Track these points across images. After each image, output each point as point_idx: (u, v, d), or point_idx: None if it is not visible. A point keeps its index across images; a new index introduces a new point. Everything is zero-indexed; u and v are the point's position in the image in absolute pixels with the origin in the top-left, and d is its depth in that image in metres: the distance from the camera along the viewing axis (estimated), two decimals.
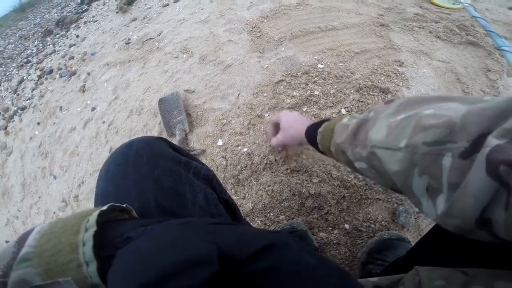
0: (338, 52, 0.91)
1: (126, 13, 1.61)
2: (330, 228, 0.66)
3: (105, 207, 0.24)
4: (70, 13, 2.26)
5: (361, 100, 0.79)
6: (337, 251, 0.63)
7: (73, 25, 1.97)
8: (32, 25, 2.66)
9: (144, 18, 1.45)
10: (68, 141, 1.15)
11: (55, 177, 1.10)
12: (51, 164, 1.14)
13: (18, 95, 1.65)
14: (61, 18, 2.16)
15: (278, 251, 0.20)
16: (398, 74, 0.84)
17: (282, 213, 0.69)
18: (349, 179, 0.69)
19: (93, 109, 1.15)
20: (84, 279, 0.19)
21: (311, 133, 0.44)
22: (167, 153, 0.36)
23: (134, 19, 1.49)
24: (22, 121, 1.43)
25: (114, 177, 0.33)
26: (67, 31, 1.95)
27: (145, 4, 1.59)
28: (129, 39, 1.34)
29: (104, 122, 1.06)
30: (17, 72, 1.93)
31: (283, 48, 0.96)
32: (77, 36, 1.75)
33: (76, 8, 2.28)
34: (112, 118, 1.05)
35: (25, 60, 2.02)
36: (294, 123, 0.54)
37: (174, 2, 1.43)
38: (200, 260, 0.18)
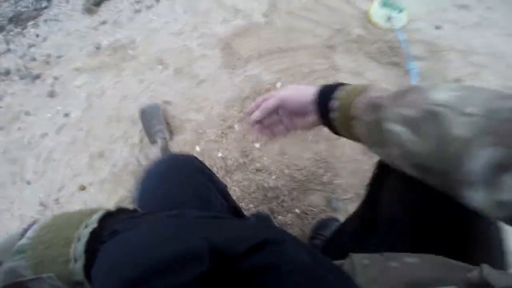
0: (293, 72, 1.08)
1: (94, 15, 1.59)
2: (285, 213, 0.87)
3: (112, 208, 0.24)
4: (26, 8, 2.10)
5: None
6: (292, 230, 0.84)
7: (31, 23, 1.84)
8: None
9: (114, 22, 1.46)
10: (40, 147, 1.15)
11: (28, 183, 1.10)
12: (22, 169, 1.14)
13: None
14: (16, 14, 2.00)
15: (275, 247, 0.20)
16: None
17: (251, 203, 0.89)
18: (297, 175, 0.90)
19: (66, 115, 1.16)
20: (69, 275, 0.19)
21: (326, 90, 0.38)
22: (202, 168, 0.48)
23: (104, 22, 1.49)
24: None
25: (164, 182, 0.42)
26: (23, 29, 1.82)
27: (116, 7, 1.59)
28: (99, 44, 1.35)
29: (81, 129, 1.10)
30: None
31: (250, 66, 1.09)
32: (37, 36, 1.67)
33: (34, 3, 2.13)
34: (89, 125, 1.09)
35: None
36: (299, 89, 0.44)
37: (147, 8, 1.47)
38: (189, 256, 0.17)
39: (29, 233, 0.20)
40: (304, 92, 0.41)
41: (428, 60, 1.28)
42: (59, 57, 1.42)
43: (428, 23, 1.53)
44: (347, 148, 0.95)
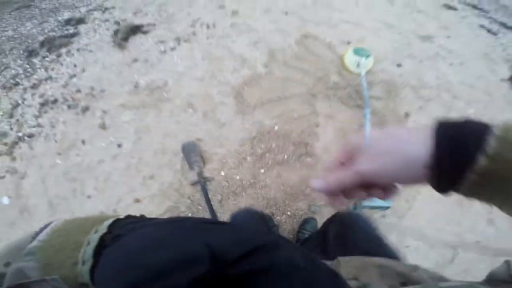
0: (286, 118, 1.51)
1: (124, 50, 1.92)
2: (281, 214, 1.36)
3: (122, 216, 0.25)
4: (53, 32, 2.36)
5: (296, 150, 1.43)
6: (285, 226, 1.31)
7: (64, 50, 2.14)
8: (4, 38, 2.62)
9: (145, 61, 1.81)
10: (98, 171, 1.51)
11: (89, 197, 1.48)
12: (82, 187, 1.50)
13: (18, 120, 1.82)
14: (48, 39, 2.27)
15: (270, 251, 0.20)
16: (314, 133, 1.48)
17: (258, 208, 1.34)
18: (288, 190, 1.36)
19: (119, 146, 1.55)
20: (75, 278, 0.20)
21: (456, 139, 0.24)
22: (267, 218, 0.83)
23: (135, 60, 1.84)
24: (33, 149, 1.67)
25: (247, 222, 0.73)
26: (58, 56, 2.12)
27: (141, 44, 1.92)
28: (137, 83, 1.71)
29: (133, 157, 1.50)
30: (5, 94, 2.01)
31: (256, 113, 1.51)
32: (75, 66, 1.99)
33: (60, 28, 2.38)
34: (140, 155, 1.49)
35: (12, 81, 2.11)
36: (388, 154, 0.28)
37: (171, 50, 1.82)
38: (189, 259, 0.18)
39: (41, 236, 0.21)
40: (398, 159, 0.26)
41: (385, 99, 1.72)
42: (102, 91, 1.77)
43: (391, 62, 1.96)
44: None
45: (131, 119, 1.59)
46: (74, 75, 1.93)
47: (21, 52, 2.36)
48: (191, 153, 1.40)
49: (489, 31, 3.23)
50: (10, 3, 3.98)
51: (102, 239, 0.22)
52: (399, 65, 1.99)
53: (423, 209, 1.40)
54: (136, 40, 1.96)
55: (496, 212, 1.53)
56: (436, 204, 1.43)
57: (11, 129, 1.80)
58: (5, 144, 1.73)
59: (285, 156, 1.42)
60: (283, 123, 1.49)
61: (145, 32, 2.01)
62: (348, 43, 2.05)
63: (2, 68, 2.29)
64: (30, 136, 1.73)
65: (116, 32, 2.09)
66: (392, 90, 1.78)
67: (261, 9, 2.29)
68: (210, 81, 1.61)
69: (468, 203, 1.45)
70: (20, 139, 1.73)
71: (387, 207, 1.24)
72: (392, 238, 1.31)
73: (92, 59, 1.96)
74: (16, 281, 0.19)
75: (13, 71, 2.19)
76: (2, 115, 1.90)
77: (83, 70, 1.92)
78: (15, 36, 2.64)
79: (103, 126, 1.64)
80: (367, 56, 1.83)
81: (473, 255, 1.33)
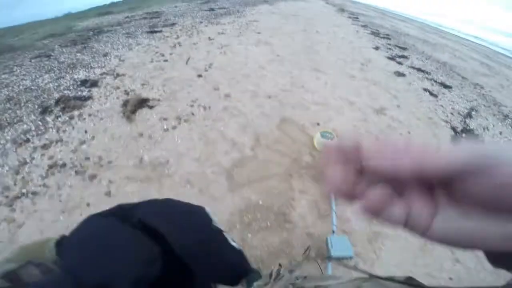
0: (268, 193, 1.85)
1: (132, 123, 2.26)
2: (267, 269, 1.60)
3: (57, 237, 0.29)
4: (68, 91, 2.65)
5: (277, 218, 1.76)
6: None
7: (77, 113, 2.42)
8: (21, 87, 2.82)
9: (150, 137, 2.15)
10: None
11: None
12: None
13: (23, 178, 1.95)
14: (63, 98, 2.55)
15: None
16: (291, 205, 1.83)
17: None
18: (272, 249, 1.67)
19: None
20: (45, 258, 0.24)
21: None
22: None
23: (141, 135, 2.17)
24: (36, 205, 1.77)
25: None
26: (70, 118, 2.39)
27: (147, 119, 2.28)
28: (141, 159, 2.02)
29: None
30: (14, 150, 2.16)
31: (243, 190, 1.86)
32: (85, 132, 2.27)
33: (75, 88, 2.68)
34: None
35: (23, 137, 2.30)
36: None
37: (173, 129, 2.19)
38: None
39: (9, 254, 0.24)
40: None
41: None
42: (109, 162, 2.03)
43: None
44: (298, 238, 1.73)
45: (135, 190, 1.86)
46: (84, 142, 2.19)
47: (36, 107, 2.58)
48: None
49: (431, 93, 3.99)
50: (32, 49, 4.32)
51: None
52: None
53: (390, 257, 1.62)
54: (143, 114, 2.32)
55: (458, 252, 1.72)
56: (401, 252, 1.66)
57: (15, 184, 1.90)
58: (6, 196, 1.82)
59: (268, 223, 1.72)
60: (266, 197, 1.84)
61: (151, 107, 2.39)
62: (318, 124, 2.54)
63: (15, 120, 2.46)
64: (34, 193, 1.84)
65: (125, 103, 2.45)
66: None
67: (249, 92, 2.79)
68: (205, 162, 1.97)
69: (431, 247, 1.72)
70: (23, 194, 1.83)
71: (351, 257, 1.39)
72: None
73: (102, 128, 2.26)
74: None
75: (25, 126, 2.38)
76: (8, 171, 2.01)
77: (93, 138, 2.20)
78: (32, 87, 2.90)
79: (108, 194, 1.88)
80: (332, 138, 2.29)
81: None
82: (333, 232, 1.63)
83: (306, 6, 13.60)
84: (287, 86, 3.09)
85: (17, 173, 1.99)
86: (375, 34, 7.92)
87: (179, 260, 0.25)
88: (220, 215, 1.75)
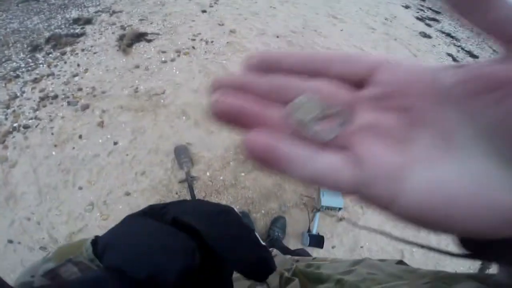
0: None
1: (128, 56, 2.08)
2: (257, 212, 1.51)
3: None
4: (59, 30, 2.48)
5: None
6: (260, 223, 1.47)
7: (69, 49, 2.26)
8: (8, 30, 2.69)
9: (146, 69, 1.97)
10: (92, 163, 1.61)
11: (80, 188, 1.54)
12: (74, 178, 1.56)
13: (14, 111, 1.85)
14: (53, 36, 2.38)
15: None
16: None
17: (238, 205, 1.49)
18: (264, 192, 1.52)
19: (115, 143, 1.67)
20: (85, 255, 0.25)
21: None
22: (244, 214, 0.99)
23: (137, 67, 1.99)
24: (28, 139, 1.69)
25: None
26: (62, 54, 2.24)
27: (145, 52, 2.08)
28: (137, 88, 1.86)
29: (127, 154, 1.63)
30: (3, 85, 2.05)
31: None
32: (78, 65, 2.11)
33: (67, 26, 2.50)
34: (134, 153, 1.63)
35: (13, 73, 2.17)
36: None
37: (171, 61, 2.00)
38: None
39: (47, 255, 0.26)
40: None
41: None
42: (103, 92, 1.90)
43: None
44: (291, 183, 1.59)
45: (128, 120, 1.73)
46: (77, 74, 2.04)
47: (25, 46, 2.43)
48: (182, 154, 1.55)
49: (454, 59, 3.63)
50: None
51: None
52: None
53: (374, 215, 1.57)
54: (140, 48, 2.12)
55: None
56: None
57: (6, 118, 1.82)
58: None
59: None
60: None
61: (148, 41, 2.18)
62: None
63: (3, 60, 2.33)
64: (26, 127, 1.76)
65: (121, 37, 2.25)
66: None
67: (256, 30, 2.52)
68: (204, 94, 1.79)
69: None
70: (15, 129, 1.75)
71: (340, 208, 1.40)
72: (348, 239, 1.49)
73: (96, 61, 2.09)
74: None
75: (14, 63, 2.25)
76: None
77: (86, 70, 2.05)
78: (21, 29, 2.70)
79: (101, 124, 1.76)
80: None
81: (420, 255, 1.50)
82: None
83: None
84: (299, 28, 2.79)
85: (8, 107, 1.90)
86: None
87: (213, 253, 0.24)
88: (215, 150, 1.62)
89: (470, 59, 3.89)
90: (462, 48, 4.38)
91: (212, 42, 2.18)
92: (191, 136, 1.65)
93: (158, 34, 2.24)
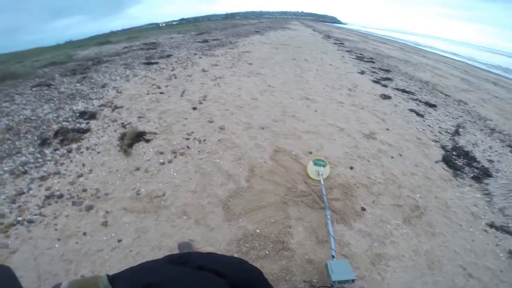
0: (265, 222, 1.92)
1: (129, 157, 2.36)
2: None
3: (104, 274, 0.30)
4: (67, 123, 2.73)
5: (275, 246, 1.79)
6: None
7: (75, 146, 2.50)
8: (21, 117, 2.88)
9: (146, 171, 2.24)
10: (95, 256, 1.67)
11: (82, 276, 1.60)
12: (77, 268, 1.61)
13: (20, 207, 1.98)
14: (62, 130, 2.62)
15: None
16: (288, 233, 1.90)
17: None
18: (271, 277, 1.68)
19: (119, 240, 1.79)
20: None
21: None
22: None
23: (138, 169, 2.26)
24: (31, 232, 1.79)
25: None
26: (69, 152, 2.46)
27: (144, 153, 2.38)
28: (138, 191, 2.09)
29: (131, 250, 1.74)
30: (12, 180, 2.20)
31: (240, 220, 1.94)
32: (83, 165, 2.34)
33: (74, 120, 2.76)
34: (138, 249, 1.76)
35: (21, 169, 2.35)
36: None
37: (168, 162, 2.30)
38: None
39: (64, 285, 0.28)
40: None
41: (343, 200, 2.20)
42: (106, 194, 2.10)
43: (344, 166, 2.49)
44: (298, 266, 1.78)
45: (132, 221, 1.92)
46: (82, 175, 2.26)
47: (35, 138, 2.65)
48: (185, 250, 1.73)
49: (417, 113, 4.15)
50: (33, 77, 4.43)
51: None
52: (351, 168, 2.55)
53: (397, 278, 1.61)
54: (140, 148, 2.42)
55: (471, 266, 1.80)
56: (408, 271, 1.67)
57: (11, 212, 1.93)
58: (1, 223, 1.82)
59: (266, 252, 1.75)
60: (263, 226, 1.91)
61: (147, 141, 2.50)
62: (310, 152, 2.68)
63: (14, 152, 2.52)
64: (30, 221, 1.86)
65: (122, 136, 2.56)
66: (348, 191, 2.29)
67: (243, 124, 2.95)
68: (202, 193, 2.06)
69: (438, 264, 1.74)
70: (19, 222, 1.85)
71: (353, 280, 1.33)
72: None
73: (99, 161, 2.34)
74: None
75: (24, 158, 2.45)
76: (4, 199, 2.04)
77: (91, 171, 2.27)
78: (32, 117, 2.99)
79: (105, 224, 1.91)
80: (324, 166, 2.38)
81: None
82: (333, 257, 1.61)
83: (294, 35, 14.41)
84: (279, 116, 3.28)
85: (14, 202, 2.03)
86: (360, 58, 8.47)
87: None
88: (217, 244, 1.82)
89: (430, 109, 4.41)
90: (420, 101, 4.88)
91: (204, 140, 2.54)
92: (193, 233, 1.86)
93: (155, 133, 2.58)
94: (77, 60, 5.93)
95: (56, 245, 1.76)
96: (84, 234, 1.85)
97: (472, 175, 2.75)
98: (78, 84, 4.01)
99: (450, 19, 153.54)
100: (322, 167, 2.38)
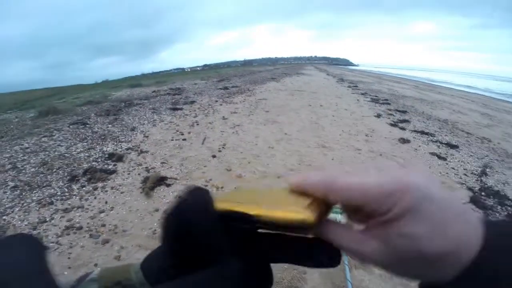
0: (279, 269, 1.87)
1: (150, 199, 2.52)
2: None
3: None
4: (96, 163, 3.00)
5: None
6: None
7: (101, 185, 2.72)
8: (56, 153, 3.19)
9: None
10: None
11: None
12: None
13: (39, 233, 2.08)
14: (90, 169, 2.88)
15: None
16: (302, 279, 1.88)
17: None
18: None
19: None
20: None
21: None
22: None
23: (156, 210, 2.40)
24: None
25: None
26: (94, 189, 2.67)
27: (164, 196, 2.54)
28: (155, 230, 2.20)
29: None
30: (37, 209, 2.36)
31: None
32: (106, 202, 2.51)
33: (103, 161, 3.04)
34: None
35: (48, 200, 2.54)
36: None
37: None
38: None
39: (93, 275, 0.25)
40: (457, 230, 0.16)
41: None
42: (124, 231, 2.20)
43: None
44: None
45: None
46: (103, 211, 2.40)
47: (65, 174, 2.90)
48: None
49: (439, 157, 3.88)
50: (72, 114, 4.93)
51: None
52: None
53: None
54: (160, 192, 2.58)
55: None
56: None
57: None
58: None
59: None
60: (275, 272, 1.86)
61: (168, 185, 2.67)
62: None
63: (44, 184, 2.76)
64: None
65: (145, 180, 2.75)
66: None
67: (259, 173, 3.09)
68: None
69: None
70: None
71: None
72: None
73: (121, 201, 2.50)
74: None
75: (52, 190, 2.66)
76: (26, 225, 2.18)
77: (112, 208, 2.42)
78: (66, 155, 3.28)
79: (118, 258, 1.95)
80: (341, 213, 2.39)
81: None
82: None
83: (309, 80, 15.05)
84: (295, 165, 3.39)
85: (35, 228, 2.16)
86: (375, 100, 8.52)
87: None
88: None
89: (452, 151, 4.19)
90: (441, 142, 4.58)
91: (222, 187, 2.68)
92: None
93: (176, 179, 2.76)
94: (111, 101, 6.56)
95: (65, 272, 1.81)
96: (95, 265, 1.90)
97: (505, 213, 2.67)
98: (110, 125, 4.41)
99: (459, 51, 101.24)
100: (339, 214, 2.40)
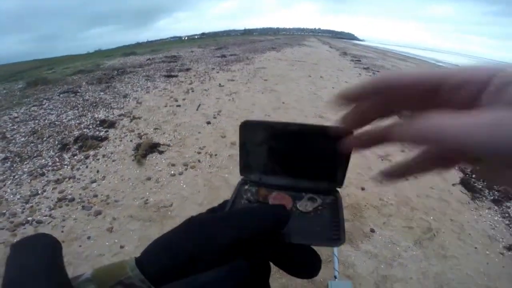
0: None
1: (142, 167, 2.44)
2: None
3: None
4: (87, 130, 2.89)
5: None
6: None
7: (92, 153, 2.63)
8: (46, 121, 3.08)
9: (156, 181, 2.30)
10: (95, 261, 1.67)
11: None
12: (74, 271, 1.57)
13: (32, 207, 2.06)
14: (82, 136, 2.78)
15: None
16: None
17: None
18: None
19: (121, 247, 1.79)
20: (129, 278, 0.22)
21: None
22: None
23: (149, 179, 2.33)
24: (37, 232, 1.90)
25: None
26: (86, 158, 2.59)
27: (156, 164, 2.46)
28: (147, 200, 2.14)
29: (132, 258, 1.80)
30: (29, 181, 2.32)
31: None
32: (98, 171, 2.44)
33: (94, 127, 2.93)
34: None
35: (39, 171, 2.49)
36: None
37: (179, 174, 2.35)
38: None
39: (87, 275, 0.23)
40: None
41: (351, 221, 2.09)
42: (116, 201, 2.15)
43: (355, 186, 2.40)
44: None
45: (136, 228, 1.94)
46: (95, 181, 2.34)
47: (56, 143, 2.80)
48: None
49: None
50: (62, 83, 4.75)
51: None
52: (363, 189, 2.45)
53: None
54: (153, 159, 2.50)
55: (490, 279, 1.72)
56: None
57: (22, 212, 2.01)
58: (11, 222, 1.91)
59: None
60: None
61: (160, 152, 2.58)
62: None
63: (35, 154, 2.68)
64: (39, 222, 1.93)
65: (137, 147, 2.65)
66: (357, 212, 2.18)
67: None
68: (208, 207, 2.04)
69: (448, 286, 1.72)
70: (28, 222, 1.92)
71: None
72: None
73: (113, 169, 2.43)
74: None
75: (43, 160, 2.59)
76: (18, 199, 2.15)
77: (104, 178, 2.36)
78: (56, 122, 3.17)
79: (110, 230, 1.94)
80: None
81: None
82: (335, 277, 1.54)
83: (311, 51, 14.53)
84: None
85: (27, 202, 2.13)
86: None
87: None
88: None
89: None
90: None
91: (215, 155, 2.59)
92: None
93: (169, 145, 2.66)
94: (104, 69, 6.30)
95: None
96: (88, 238, 1.89)
97: (492, 198, 2.63)
98: (102, 93, 4.24)
99: (474, 36, 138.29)
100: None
